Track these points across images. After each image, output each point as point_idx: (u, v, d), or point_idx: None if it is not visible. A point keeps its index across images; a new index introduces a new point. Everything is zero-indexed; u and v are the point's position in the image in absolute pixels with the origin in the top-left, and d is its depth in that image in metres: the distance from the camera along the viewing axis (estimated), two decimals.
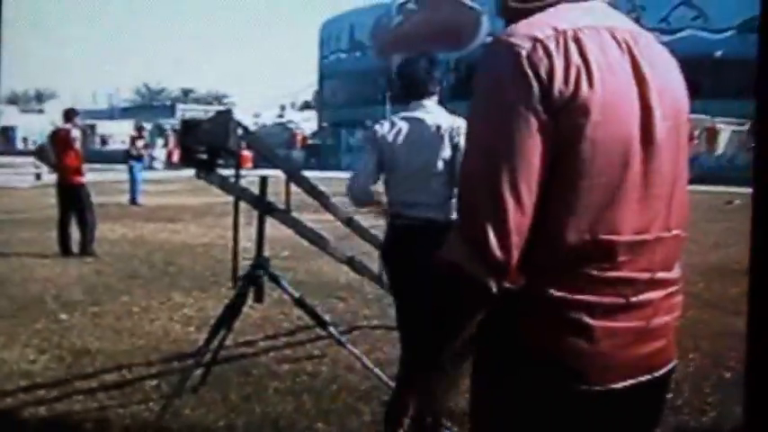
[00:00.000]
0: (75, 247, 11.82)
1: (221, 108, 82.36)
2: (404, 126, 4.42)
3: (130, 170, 21.55)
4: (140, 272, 10.31)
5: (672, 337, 1.86)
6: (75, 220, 11.88)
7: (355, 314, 7.92)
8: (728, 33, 44.07)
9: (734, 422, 5.00)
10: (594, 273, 1.70)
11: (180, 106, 75.43)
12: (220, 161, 4.04)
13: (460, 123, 4.27)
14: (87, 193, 11.96)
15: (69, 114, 12.38)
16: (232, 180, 4.52)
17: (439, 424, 4.16)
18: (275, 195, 5.18)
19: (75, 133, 12.07)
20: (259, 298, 4.85)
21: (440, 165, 4.33)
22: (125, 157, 22.69)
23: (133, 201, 20.89)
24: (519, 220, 1.63)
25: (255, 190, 4.84)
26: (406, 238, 4.35)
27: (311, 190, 4.95)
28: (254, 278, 4.74)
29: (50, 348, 6.41)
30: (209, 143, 3.94)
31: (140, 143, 22.71)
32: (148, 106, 78.13)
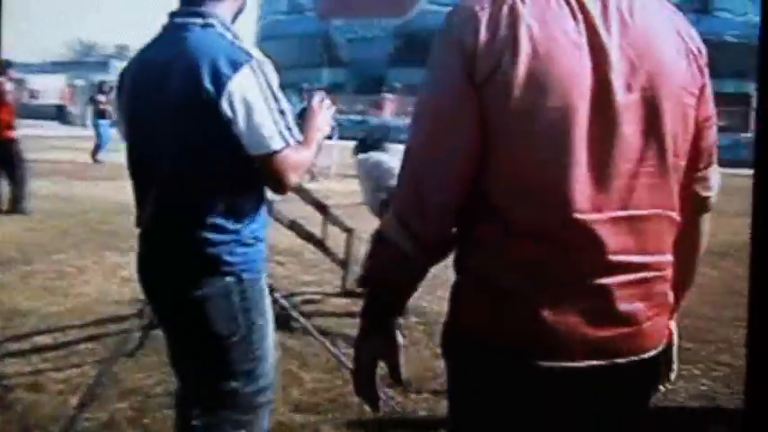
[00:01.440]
0: (4, 205, 11.50)
1: None
2: None
3: (97, 127, 21.37)
4: (73, 230, 10.04)
5: (650, 328, 1.74)
6: (6, 176, 11.52)
7: (294, 279, 7.81)
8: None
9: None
10: (537, 252, 1.64)
11: (114, 62, 73.80)
12: None
13: None
14: (19, 149, 11.60)
15: (2, 67, 11.97)
16: None
17: None
18: None
19: (9, 86, 11.67)
20: None
21: None
22: (94, 114, 22.32)
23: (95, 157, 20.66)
24: (438, 194, 1.66)
25: None
26: None
27: None
28: None
29: None
30: None
31: (102, 98, 22.04)
32: (81, 62, 76.22)
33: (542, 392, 1.69)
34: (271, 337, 2.74)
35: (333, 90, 50.52)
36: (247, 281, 2.62)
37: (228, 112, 2.43)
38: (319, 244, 6.25)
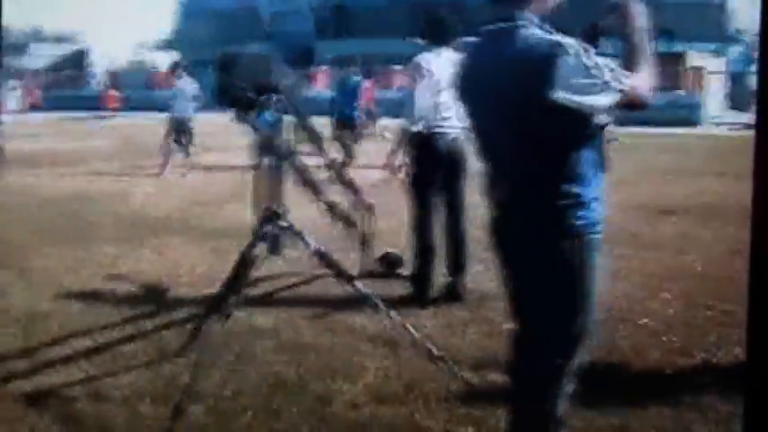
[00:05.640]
0: None
1: (75, 48, 79.02)
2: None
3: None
4: (50, 224, 9.59)
5: None
6: None
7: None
8: None
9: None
10: None
11: (32, 46, 71.56)
12: (261, 99, 3.61)
13: None
14: None
15: None
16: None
17: None
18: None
19: None
20: (275, 250, 4.43)
21: None
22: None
23: None
24: None
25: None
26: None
27: (312, 134, 4.58)
28: (268, 229, 4.33)
29: None
30: (252, 80, 3.50)
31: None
32: None
33: None
34: (595, 289, 3.04)
35: None
36: (586, 240, 2.95)
37: (562, 99, 2.73)
38: (351, 224, 5.97)
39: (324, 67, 45.33)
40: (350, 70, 17.88)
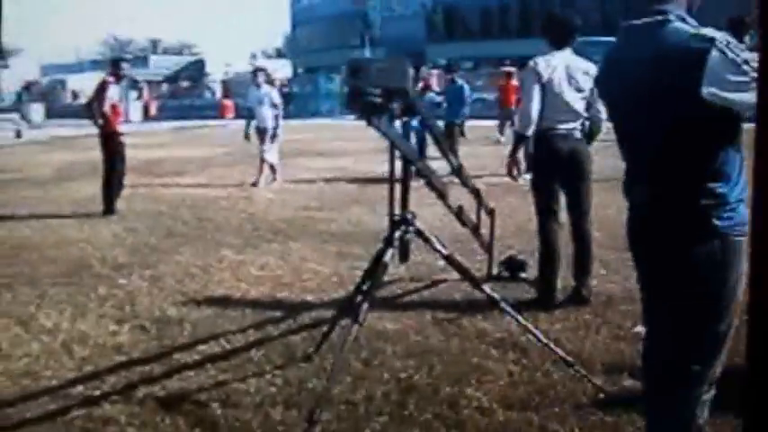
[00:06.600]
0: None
1: (192, 58, 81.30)
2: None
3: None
4: (176, 229, 9.80)
5: None
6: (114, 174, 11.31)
7: (430, 266, 7.34)
8: None
9: None
10: None
11: (152, 57, 74.05)
12: (394, 105, 3.61)
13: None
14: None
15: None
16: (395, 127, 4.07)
17: None
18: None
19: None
20: (405, 256, 4.41)
21: None
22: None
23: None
24: None
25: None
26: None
27: (438, 139, 4.59)
28: (400, 234, 4.31)
29: (127, 317, 5.93)
30: (385, 85, 3.51)
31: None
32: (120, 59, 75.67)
33: None
34: (738, 293, 2.87)
35: None
36: (730, 241, 2.82)
37: (710, 97, 2.65)
38: (475, 230, 5.91)
39: (436, 71, 45.48)
40: (454, 74, 17.55)
